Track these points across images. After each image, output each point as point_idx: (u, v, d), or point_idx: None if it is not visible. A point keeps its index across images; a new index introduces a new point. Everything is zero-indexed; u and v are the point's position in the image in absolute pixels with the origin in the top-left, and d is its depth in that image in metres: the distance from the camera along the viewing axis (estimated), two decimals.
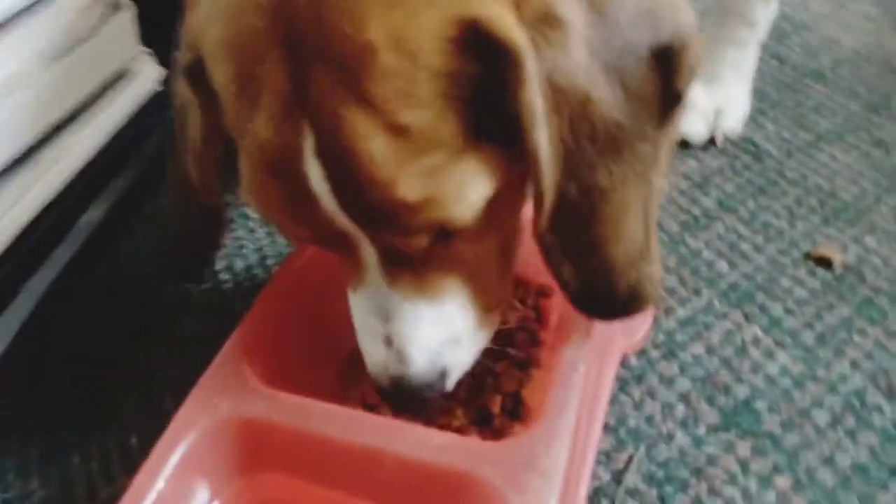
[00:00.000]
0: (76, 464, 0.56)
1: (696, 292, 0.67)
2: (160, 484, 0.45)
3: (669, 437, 0.56)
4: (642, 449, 0.55)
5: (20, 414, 0.61)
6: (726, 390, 0.59)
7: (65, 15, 0.64)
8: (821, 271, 0.70)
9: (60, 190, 0.64)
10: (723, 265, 0.70)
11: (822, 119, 0.89)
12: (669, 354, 0.62)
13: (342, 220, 0.38)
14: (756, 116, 0.88)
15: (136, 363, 0.63)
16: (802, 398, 0.59)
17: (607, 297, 0.45)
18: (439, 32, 0.35)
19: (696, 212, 0.76)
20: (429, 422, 0.52)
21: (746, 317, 0.65)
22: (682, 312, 0.65)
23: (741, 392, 0.59)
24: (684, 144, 0.84)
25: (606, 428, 0.56)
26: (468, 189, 0.38)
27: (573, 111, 0.38)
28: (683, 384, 0.60)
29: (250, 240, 0.74)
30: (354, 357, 0.58)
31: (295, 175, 0.37)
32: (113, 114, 0.70)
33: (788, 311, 0.66)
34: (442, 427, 0.51)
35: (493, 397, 0.54)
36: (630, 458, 0.55)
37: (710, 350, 0.62)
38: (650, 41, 0.40)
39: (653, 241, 0.45)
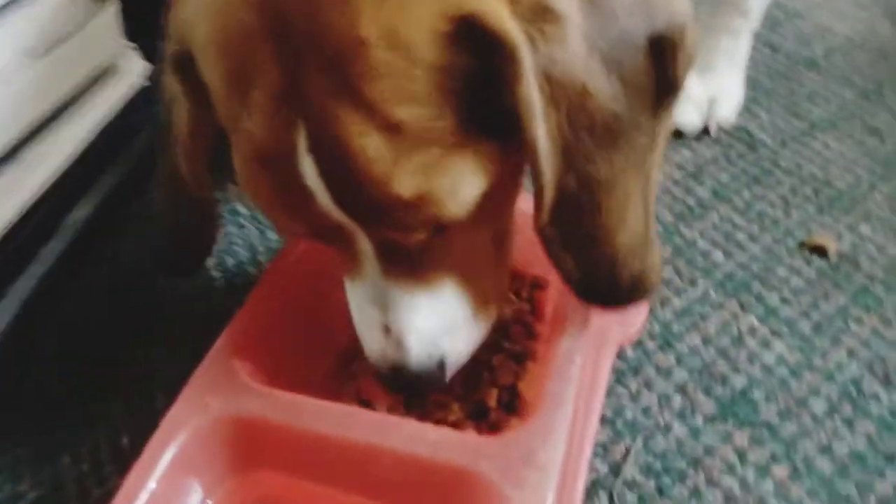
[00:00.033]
0: (67, 464, 0.56)
1: (692, 282, 0.67)
2: (152, 484, 0.44)
3: (667, 429, 0.56)
4: (640, 440, 0.55)
5: (8, 414, 0.60)
6: (723, 380, 0.59)
7: (48, 11, 0.63)
8: (816, 260, 0.69)
9: (47, 188, 0.64)
10: (718, 255, 0.70)
11: (816, 107, 0.89)
12: (666, 345, 0.62)
13: (337, 215, 0.38)
14: (750, 105, 0.88)
15: (126, 362, 0.63)
16: (799, 387, 0.59)
17: (610, 287, 0.45)
18: (432, 27, 0.34)
19: (691, 202, 0.76)
20: (424, 417, 0.52)
21: (742, 306, 0.65)
22: (678, 303, 0.65)
23: (738, 382, 0.59)
24: (678, 134, 0.83)
25: (603, 420, 0.56)
26: (463, 184, 0.38)
27: (571, 103, 0.37)
28: (680, 375, 0.59)
29: (240, 236, 0.73)
30: (348, 353, 0.58)
31: (289, 171, 0.37)
32: (98, 110, 0.69)
33: (784, 301, 0.65)
34: (438, 422, 0.51)
35: (489, 391, 0.53)
36: (627, 450, 0.54)
37: (706, 340, 0.62)
38: (646, 30, 0.39)
39: (652, 229, 0.45)
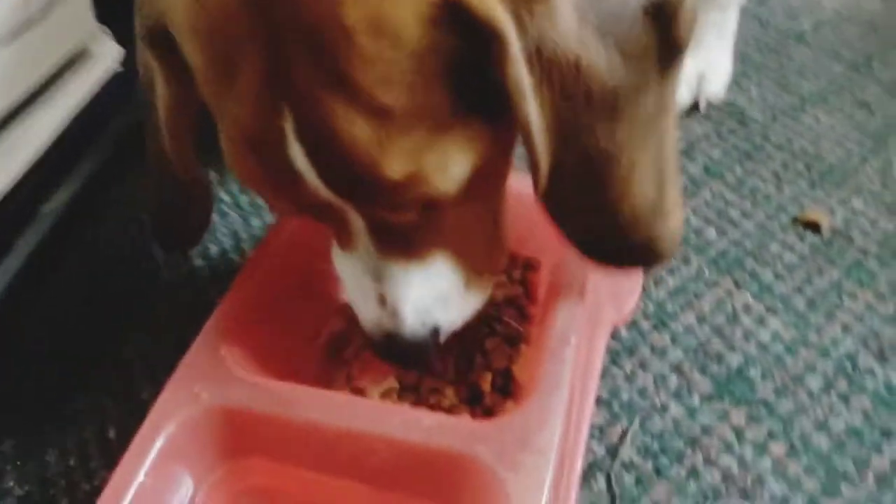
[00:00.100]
0: (53, 460, 0.55)
1: (686, 261, 0.66)
2: (141, 476, 0.44)
3: (663, 409, 0.55)
4: (636, 421, 0.55)
5: None
6: (719, 359, 0.59)
7: None
8: (809, 235, 0.69)
9: (22, 177, 0.62)
10: (711, 232, 0.69)
11: (806, 81, 0.88)
12: (660, 325, 0.61)
13: (327, 195, 0.38)
14: (739, 80, 0.87)
15: (110, 352, 0.62)
16: (795, 364, 0.58)
17: (615, 251, 0.45)
18: (417, 11, 0.34)
19: (683, 179, 0.75)
20: (418, 402, 0.51)
21: (737, 284, 0.64)
22: (671, 282, 0.65)
23: (734, 360, 0.58)
24: None
25: (599, 402, 0.55)
26: (453, 164, 0.38)
27: (564, 78, 0.37)
28: (676, 354, 0.59)
29: (224, 223, 0.72)
30: (339, 339, 0.57)
31: (277, 154, 0.37)
32: (72, 97, 0.67)
33: (778, 277, 0.65)
34: (432, 407, 0.51)
35: (483, 375, 0.53)
36: (624, 432, 0.54)
37: (701, 319, 0.62)
38: None
39: (670, 195, 0.45)
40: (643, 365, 0.58)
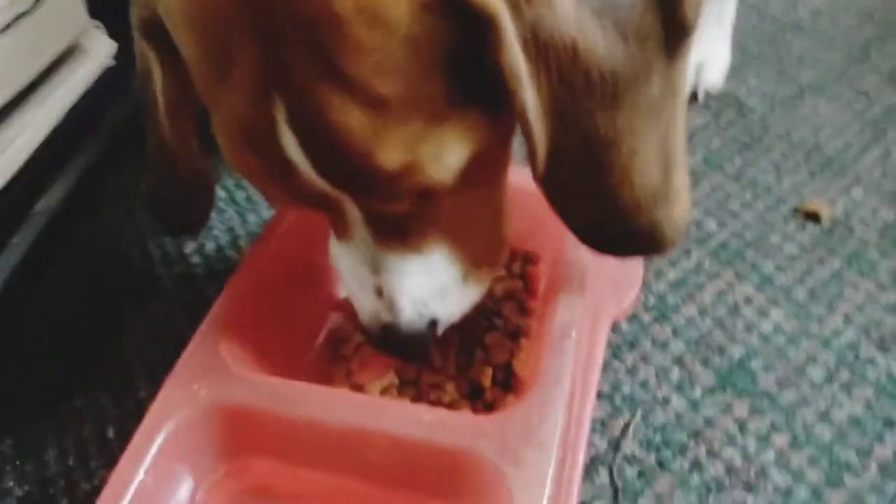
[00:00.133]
0: (53, 459, 0.55)
1: (686, 253, 0.66)
2: (141, 475, 0.43)
3: (665, 402, 0.55)
4: (638, 415, 0.54)
5: None
6: (720, 351, 0.58)
7: None
8: (810, 226, 0.69)
9: (13, 175, 0.61)
10: (711, 224, 0.69)
11: (804, 71, 0.88)
12: (661, 317, 0.61)
13: (322, 186, 0.38)
14: (738, 71, 0.87)
15: (108, 352, 0.61)
16: (797, 355, 0.58)
17: (615, 239, 0.44)
18: (410, 0, 0.33)
19: None
20: (419, 398, 0.51)
21: (738, 275, 0.64)
22: (672, 274, 0.64)
23: (736, 352, 0.58)
24: None
25: (601, 395, 0.55)
26: (449, 153, 0.38)
27: (562, 63, 0.36)
28: (677, 347, 0.59)
29: (220, 220, 0.71)
30: (337, 335, 0.57)
31: (271, 145, 0.36)
32: (64, 93, 0.66)
33: (779, 268, 0.65)
34: (433, 403, 0.50)
35: (483, 370, 0.52)
36: (626, 425, 0.54)
37: (702, 311, 0.61)
38: None
39: (676, 181, 0.44)
40: (644, 358, 0.58)
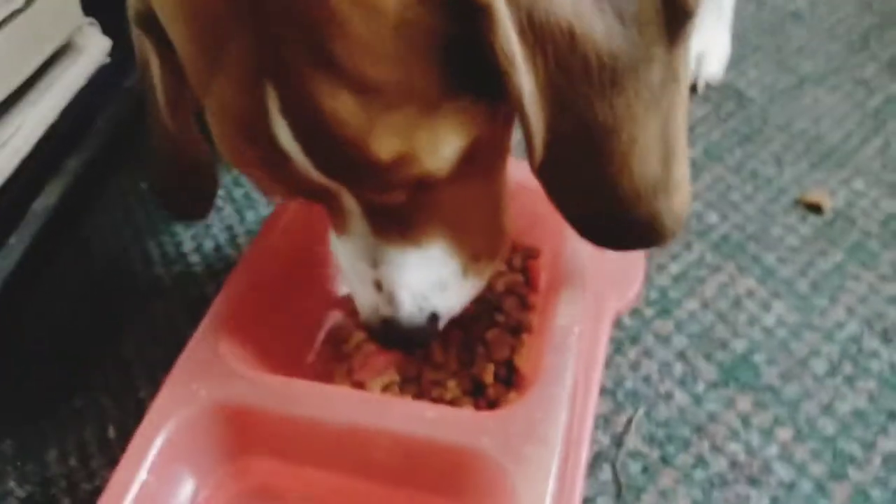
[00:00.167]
0: (54, 460, 0.54)
1: (688, 246, 0.66)
2: (143, 475, 0.43)
3: (668, 397, 0.55)
4: (641, 410, 0.54)
5: None
6: (723, 345, 0.58)
7: None
8: (811, 217, 0.68)
9: (10, 174, 0.61)
10: (713, 216, 0.69)
11: (804, 61, 0.87)
12: (664, 312, 0.61)
13: (317, 177, 0.38)
14: (737, 62, 0.86)
15: (107, 351, 0.61)
16: (800, 348, 0.58)
17: (614, 230, 0.44)
18: None
19: None
20: (421, 395, 0.51)
21: (739, 268, 0.64)
22: (674, 268, 0.64)
23: (739, 346, 0.58)
24: None
25: (603, 391, 0.55)
26: (444, 144, 0.37)
27: (558, 49, 0.36)
28: (680, 341, 0.58)
29: (218, 218, 0.71)
30: (337, 332, 0.56)
31: (264, 136, 0.36)
32: (59, 91, 0.65)
33: (781, 260, 0.64)
34: (434, 400, 0.50)
35: (485, 366, 0.52)
36: (629, 420, 0.53)
37: (704, 305, 0.61)
38: None
39: (676, 170, 0.43)
40: (647, 353, 0.58)
